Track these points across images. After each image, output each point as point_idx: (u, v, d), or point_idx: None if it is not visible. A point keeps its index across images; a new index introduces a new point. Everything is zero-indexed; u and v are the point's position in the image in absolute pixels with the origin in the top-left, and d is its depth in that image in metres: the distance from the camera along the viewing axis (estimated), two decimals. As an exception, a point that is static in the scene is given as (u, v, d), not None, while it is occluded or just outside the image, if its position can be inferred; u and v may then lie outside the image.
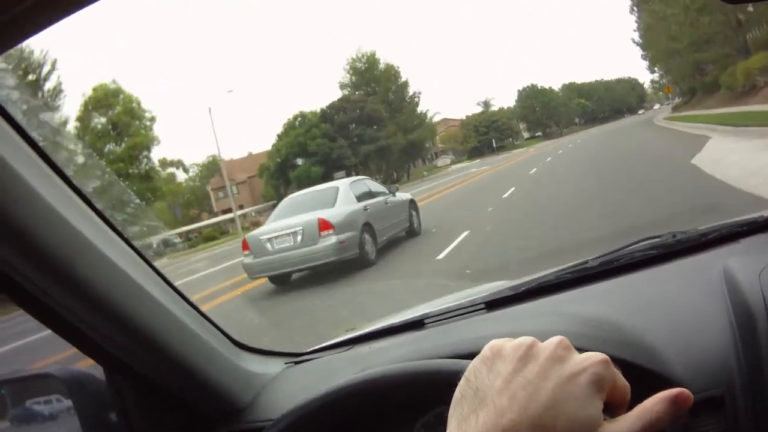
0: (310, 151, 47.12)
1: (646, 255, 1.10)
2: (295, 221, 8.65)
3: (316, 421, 0.87)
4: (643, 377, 0.66)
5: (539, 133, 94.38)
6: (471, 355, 0.66)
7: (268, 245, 8.53)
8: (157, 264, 0.97)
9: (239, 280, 9.67)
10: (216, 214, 46.73)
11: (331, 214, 8.59)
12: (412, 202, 10.91)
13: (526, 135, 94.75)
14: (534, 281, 1.17)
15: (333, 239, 8.29)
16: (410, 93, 58.29)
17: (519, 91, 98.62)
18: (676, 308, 0.90)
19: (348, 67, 57.12)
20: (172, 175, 47.97)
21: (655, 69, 58.40)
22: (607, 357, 0.46)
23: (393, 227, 9.95)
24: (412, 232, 10.57)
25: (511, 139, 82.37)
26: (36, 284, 0.79)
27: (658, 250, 1.11)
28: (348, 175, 40.33)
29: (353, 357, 1.16)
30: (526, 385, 0.44)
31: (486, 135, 74.80)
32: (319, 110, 51.28)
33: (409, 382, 0.84)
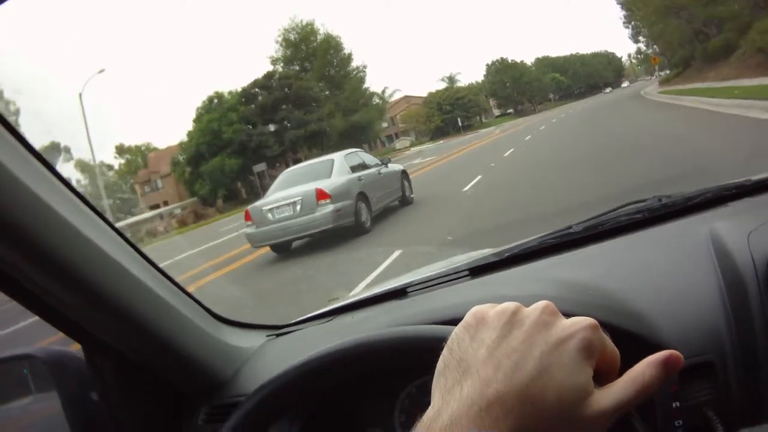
0: (225, 139, 38.01)
1: (632, 219, 1.07)
2: (293, 192, 8.96)
3: (295, 390, 0.83)
4: (631, 343, 0.63)
5: (510, 110, 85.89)
6: (454, 321, 0.65)
7: (269, 215, 8.84)
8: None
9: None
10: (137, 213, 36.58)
11: (327, 184, 8.88)
12: (404, 173, 11.19)
13: (496, 112, 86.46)
14: (518, 247, 1.13)
15: (330, 208, 8.58)
16: (354, 67, 50.16)
17: (488, 65, 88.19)
18: (663, 272, 0.87)
19: (280, 38, 48.38)
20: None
21: (640, 38, 51.79)
22: (596, 321, 0.44)
23: (386, 196, 10.23)
24: (404, 201, 10.88)
25: (479, 118, 74.28)
26: (12, 264, 0.76)
27: (643, 214, 1.07)
28: (271, 167, 34.32)
29: (335, 327, 1.13)
30: (512, 353, 0.42)
31: (451, 113, 66.61)
32: (240, 89, 42.00)
33: (390, 349, 0.80)
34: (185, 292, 1.03)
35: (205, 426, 1.01)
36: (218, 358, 1.05)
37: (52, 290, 0.82)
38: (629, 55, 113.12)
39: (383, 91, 66.55)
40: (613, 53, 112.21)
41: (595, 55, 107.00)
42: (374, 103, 53.22)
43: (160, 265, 0.98)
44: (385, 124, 65.95)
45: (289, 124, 40.83)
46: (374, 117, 50.36)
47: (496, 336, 0.43)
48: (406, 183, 11.17)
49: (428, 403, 0.72)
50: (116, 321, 0.89)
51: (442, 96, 69.80)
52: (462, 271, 1.13)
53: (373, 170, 10.16)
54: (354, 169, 9.75)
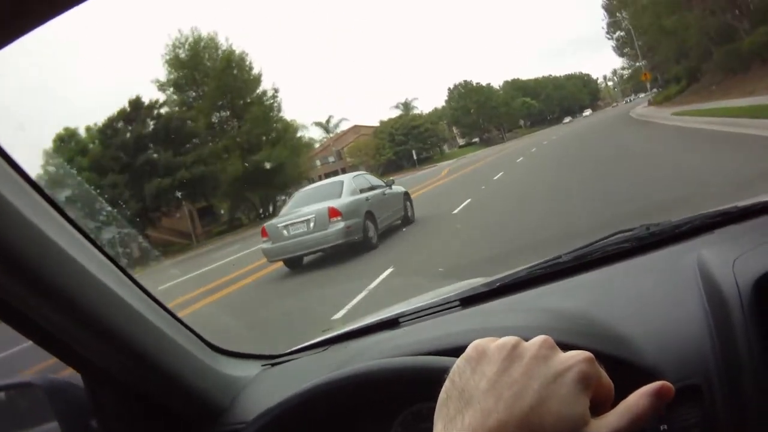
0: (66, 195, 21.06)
1: (620, 248, 1.05)
2: (307, 210, 9.43)
3: (295, 417, 0.83)
4: (620, 369, 0.62)
5: (476, 139, 75.58)
6: (448, 352, 0.65)
7: (284, 231, 9.34)
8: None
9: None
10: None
11: (338, 203, 9.34)
12: (406, 194, 11.65)
13: (461, 142, 76.18)
14: (508, 277, 1.11)
15: (341, 225, 9.06)
16: (264, 93, 36.83)
17: (449, 89, 77.29)
18: (651, 299, 0.86)
19: (168, 56, 34.63)
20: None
21: (626, 51, 43.17)
22: (592, 355, 0.44)
23: (391, 216, 10.69)
24: (406, 220, 11.36)
25: (439, 148, 64.51)
26: (11, 292, 0.75)
27: (631, 243, 1.05)
28: (121, 234, 27.48)
29: (330, 357, 1.11)
30: (512, 385, 0.43)
31: (404, 145, 56.94)
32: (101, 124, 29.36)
33: (390, 379, 0.81)
34: (181, 321, 1.01)
35: None
36: (215, 387, 1.04)
37: (51, 318, 0.80)
38: (605, 77, 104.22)
39: (328, 120, 56.00)
40: (588, 75, 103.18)
41: (569, 78, 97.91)
42: (297, 137, 39.04)
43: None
44: (330, 159, 55.57)
45: (151, 169, 28.41)
46: (288, 156, 35.59)
47: (497, 369, 0.44)
48: (408, 204, 11.60)
49: (423, 430, 0.68)
50: (115, 350, 0.88)
51: (395, 125, 59.55)
52: (453, 301, 1.11)
53: (378, 191, 10.58)
54: (362, 190, 10.22)
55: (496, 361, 0.45)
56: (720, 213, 1.04)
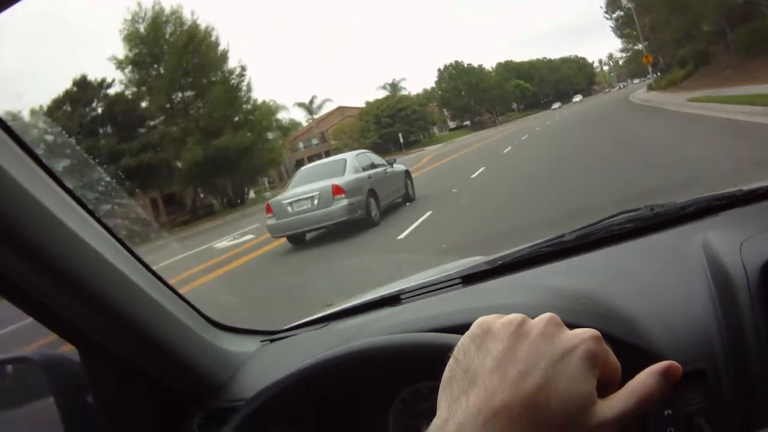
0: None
1: (624, 228, 1.03)
2: (311, 187, 9.58)
3: (295, 394, 0.83)
4: (624, 351, 0.56)
5: (467, 123, 71.26)
6: (448, 329, 0.62)
7: (289, 208, 9.50)
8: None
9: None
10: None
11: (342, 181, 9.50)
12: (407, 173, 11.79)
13: (451, 125, 72.08)
14: (510, 255, 1.09)
15: (344, 202, 9.20)
16: (229, 71, 32.63)
17: (440, 70, 71.93)
18: (656, 281, 0.84)
19: (126, 31, 30.39)
20: None
21: (626, 32, 39.76)
22: (599, 333, 0.43)
23: (392, 193, 10.83)
24: (407, 198, 11.49)
25: (429, 131, 61.03)
26: (7, 264, 0.74)
27: (635, 224, 1.03)
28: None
29: (329, 333, 1.09)
30: (518, 364, 0.41)
31: (391, 127, 53.10)
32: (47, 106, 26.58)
33: (392, 356, 0.79)
34: (180, 296, 0.99)
35: (200, 430, 0.98)
36: (213, 362, 1.02)
37: (48, 292, 0.79)
38: (600, 61, 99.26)
39: (311, 101, 52.23)
40: (584, 58, 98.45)
41: (565, 61, 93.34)
42: (269, 120, 35.22)
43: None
44: (314, 141, 53.54)
45: (95, 157, 20.20)
46: (254, 140, 31.70)
47: (503, 347, 0.43)
48: (408, 182, 11.73)
49: (423, 409, 0.65)
50: (112, 324, 0.86)
51: (381, 106, 55.44)
52: (454, 278, 1.09)
53: (380, 170, 10.69)
54: (364, 168, 10.32)
55: (502, 339, 0.44)
56: (725, 196, 1.02)
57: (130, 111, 28.70)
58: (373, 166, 10.82)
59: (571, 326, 0.45)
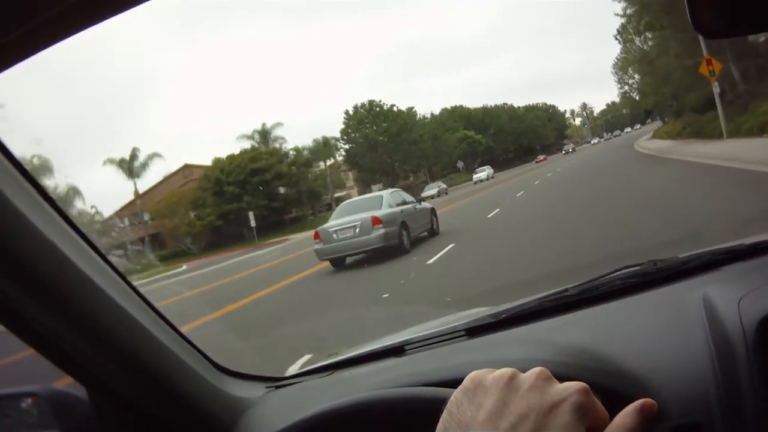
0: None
1: (626, 283, 1.00)
2: (353, 218, 10.79)
3: None
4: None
5: (380, 187, 37.53)
6: (451, 383, 0.61)
7: (334, 235, 10.79)
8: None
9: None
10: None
11: (380, 213, 10.64)
12: (432, 210, 12.80)
13: (356, 194, 35.23)
14: (514, 309, 1.05)
15: (382, 231, 10.31)
16: None
17: (347, 113, 45.87)
18: (656, 336, 0.81)
19: None
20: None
21: (627, 81, 34.37)
22: (587, 386, 0.43)
23: (420, 226, 11.78)
24: (432, 232, 12.47)
25: (320, 203, 37.74)
26: (18, 302, 0.71)
27: (638, 278, 1.00)
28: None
29: (334, 382, 1.06)
30: (509, 416, 0.42)
31: (234, 203, 32.51)
32: None
33: (390, 410, 0.79)
34: (187, 340, 0.95)
35: None
36: (219, 407, 0.98)
37: (58, 332, 0.76)
38: (572, 112, 78.97)
39: (131, 158, 30.18)
40: (554, 106, 76.38)
41: (530, 109, 71.27)
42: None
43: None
44: (125, 222, 29.49)
45: None
46: None
47: (494, 400, 0.43)
48: (433, 218, 12.61)
49: None
50: (120, 365, 0.84)
51: (233, 165, 33.88)
52: (459, 331, 1.05)
53: (410, 206, 11.67)
54: (397, 204, 11.40)
55: (493, 393, 0.43)
56: (727, 250, 0.96)
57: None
58: (404, 202, 11.73)
59: (567, 379, 0.44)
